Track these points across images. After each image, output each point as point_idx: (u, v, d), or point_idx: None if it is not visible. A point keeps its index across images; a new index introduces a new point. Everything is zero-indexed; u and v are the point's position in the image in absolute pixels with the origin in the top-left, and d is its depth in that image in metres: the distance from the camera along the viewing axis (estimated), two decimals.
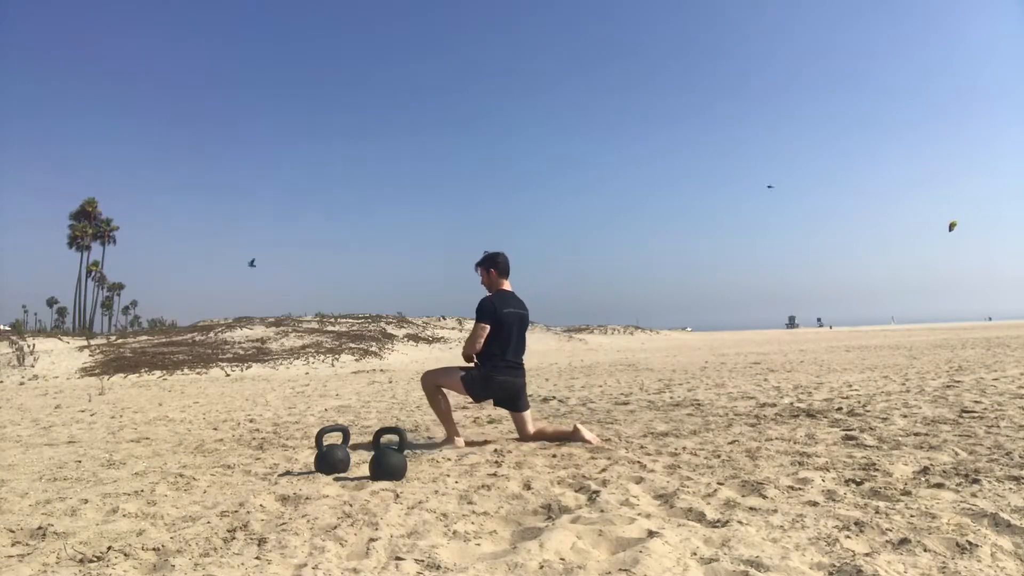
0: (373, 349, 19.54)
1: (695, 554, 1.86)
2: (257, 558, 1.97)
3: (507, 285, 4.27)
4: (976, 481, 2.59)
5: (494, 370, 4.06)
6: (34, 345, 17.65)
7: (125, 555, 2.03)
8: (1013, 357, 10.50)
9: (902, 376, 7.82)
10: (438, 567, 1.86)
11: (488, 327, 4.02)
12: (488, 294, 4.25)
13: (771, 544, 1.93)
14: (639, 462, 3.22)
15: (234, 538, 2.18)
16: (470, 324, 30.78)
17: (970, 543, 1.88)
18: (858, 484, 2.64)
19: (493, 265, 4.25)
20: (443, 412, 4.09)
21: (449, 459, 3.52)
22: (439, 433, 4.58)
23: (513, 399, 4.13)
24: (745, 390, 6.84)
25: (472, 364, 4.09)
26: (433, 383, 4.14)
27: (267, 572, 1.85)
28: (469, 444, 4.04)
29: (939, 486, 2.56)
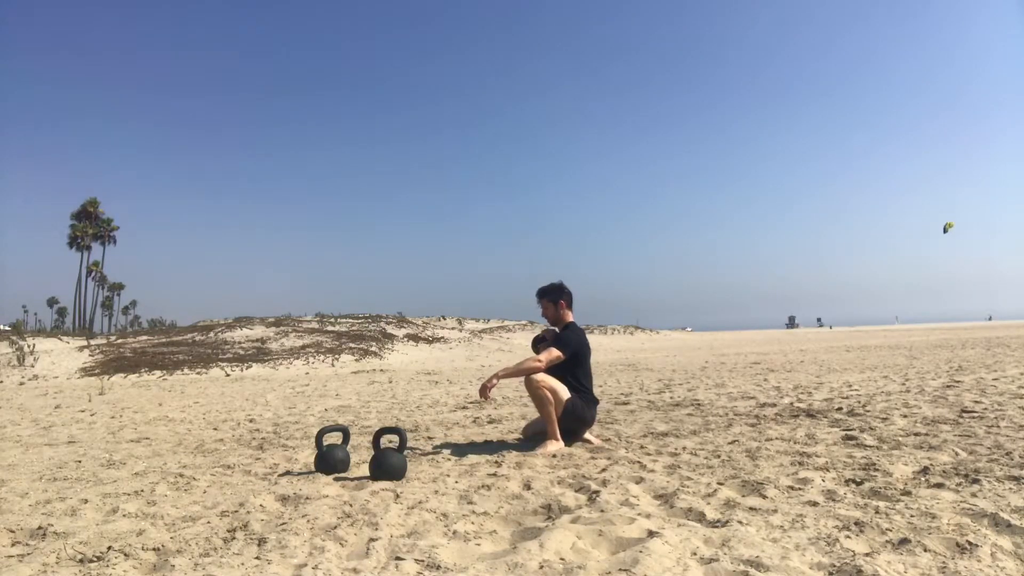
0: (373, 349, 19.53)
1: (695, 554, 1.86)
2: (257, 558, 1.97)
3: (571, 316, 4.08)
4: (976, 481, 2.59)
5: (591, 401, 3.93)
6: (34, 345, 17.64)
7: (125, 555, 2.03)
8: (1013, 357, 10.50)
9: (902, 376, 7.82)
10: (438, 567, 1.86)
11: (562, 356, 3.83)
12: (550, 326, 4.09)
13: (771, 544, 1.93)
14: (639, 462, 3.22)
15: (234, 538, 2.18)
16: (470, 324, 30.83)
17: (970, 543, 1.88)
18: (858, 484, 2.64)
19: (562, 296, 4.03)
20: (553, 416, 3.75)
21: (449, 459, 3.53)
22: (439, 433, 4.59)
23: (582, 433, 3.93)
24: (745, 390, 6.84)
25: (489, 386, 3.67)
26: (548, 388, 3.74)
27: (267, 572, 1.85)
28: (469, 444, 4.04)
29: (939, 486, 2.56)
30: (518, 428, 4.59)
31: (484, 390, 3.63)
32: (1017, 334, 23.65)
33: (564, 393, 3.77)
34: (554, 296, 4.03)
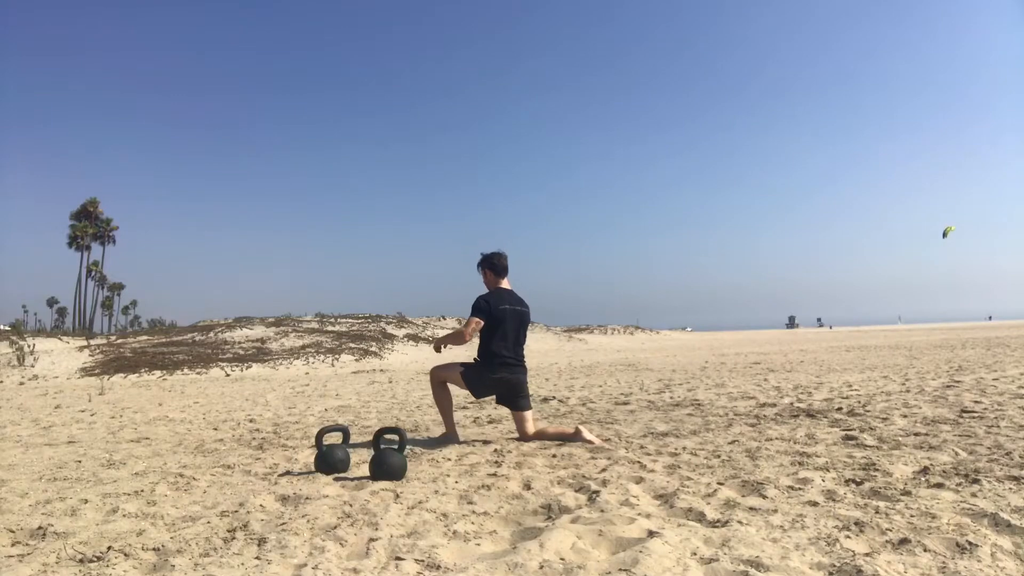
0: (373, 349, 19.52)
1: (695, 554, 1.86)
2: (257, 558, 1.97)
3: (505, 284, 4.33)
4: (976, 481, 2.59)
5: (491, 366, 4.11)
6: (34, 345, 17.62)
7: (125, 555, 2.03)
8: (1013, 357, 10.50)
9: (902, 376, 7.82)
10: (438, 567, 1.86)
11: (481, 322, 4.07)
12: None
13: (771, 544, 1.93)
14: (639, 462, 3.22)
15: (234, 538, 2.18)
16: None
17: (970, 543, 1.88)
18: (858, 484, 2.64)
19: (489, 266, 4.32)
20: (443, 408, 4.21)
21: (449, 459, 3.52)
22: (439, 433, 4.59)
23: (513, 397, 4.15)
24: (745, 390, 6.83)
25: (439, 346, 4.24)
26: (438, 378, 4.24)
27: (267, 572, 1.85)
28: (469, 444, 4.04)
29: (939, 486, 2.56)
30: None
31: (437, 348, 4.28)
32: (1017, 334, 23.64)
33: (452, 372, 4.17)
34: (482, 265, 4.37)
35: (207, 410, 6.91)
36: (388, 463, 3.06)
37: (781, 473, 2.88)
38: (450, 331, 4.33)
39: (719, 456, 3.32)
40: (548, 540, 2.01)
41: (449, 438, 4.14)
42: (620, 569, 1.76)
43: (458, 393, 7.72)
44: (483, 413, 5.68)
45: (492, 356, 4.11)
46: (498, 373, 4.10)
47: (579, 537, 2.05)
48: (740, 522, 2.15)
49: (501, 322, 4.13)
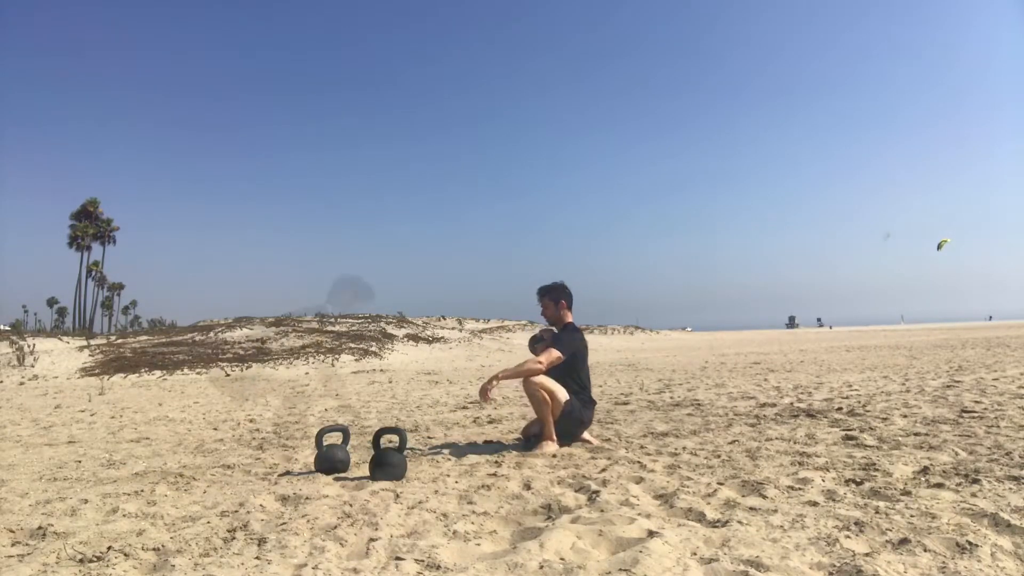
0: (373, 349, 19.52)
1: (695, 554, 1.86)
2: (257, 558, 1.97)
3: (571, 317, 4.08)
4: (976, 481, 2.59)
5: (589, 402, 3.92)
6: (34, 345, 17.62)
7: (125, 555, 2.03)
8: (1013, 357, 10.50)
9: (902, 376, 7.81)
10: (438, 567, 1.86)
11: (562, 358, 3.80)
12: (547, 325, 4.10)
13: (771, 544, 1.93)
14: (639, 462, 3.22)
15: (234, 538, 2.18)
16: (470, 324, 30.80)
17: (970, 543, 1.88)
18: (858, 484, 2.64)
19: (564, 296, 4.03)
20: (549, 417, 3.75)
21: (449, 459, 3.53)
22: (439, 433, 4.59)
23: (575, 434, 3.88)
24: (745, 390, 6.83)
25: (491, 385, 3.66)
26: (546, 390, 3.72)
27: (267, 572, 1.85)
28: (469, 444, 4.04)
29: (939, 486, 2.56)
30: (518, 428, 4.59)
31: (484, 392, 3.63)
32: (1017, 334, 23.65)
33: (563, 395, 3.75)
34: (556, 296, 4.02)
35: (207, 410, 6.92)
36: (388, 463, 3.06)
37: (781, 473, 2.88)
38: (512, 367, 3.81)
39: (719, 456, 3.32)
40: (548, 540, 2.01)
41: (548, 444, 3.70)
42: (620, 569, 1.76)
43: (458, 394, 7.75)
44: (483, 413, 5.68)
45: (586, 393, 3.93)
46: (590, 412, 3.91)
47: (579, 537, 2.05)
48: (740, 522, 2.15)
49: (586, 357, 3.97)
